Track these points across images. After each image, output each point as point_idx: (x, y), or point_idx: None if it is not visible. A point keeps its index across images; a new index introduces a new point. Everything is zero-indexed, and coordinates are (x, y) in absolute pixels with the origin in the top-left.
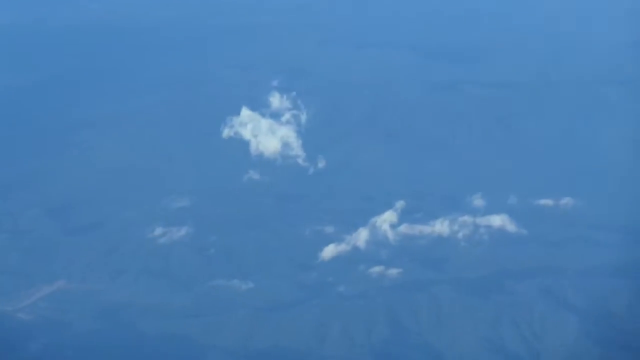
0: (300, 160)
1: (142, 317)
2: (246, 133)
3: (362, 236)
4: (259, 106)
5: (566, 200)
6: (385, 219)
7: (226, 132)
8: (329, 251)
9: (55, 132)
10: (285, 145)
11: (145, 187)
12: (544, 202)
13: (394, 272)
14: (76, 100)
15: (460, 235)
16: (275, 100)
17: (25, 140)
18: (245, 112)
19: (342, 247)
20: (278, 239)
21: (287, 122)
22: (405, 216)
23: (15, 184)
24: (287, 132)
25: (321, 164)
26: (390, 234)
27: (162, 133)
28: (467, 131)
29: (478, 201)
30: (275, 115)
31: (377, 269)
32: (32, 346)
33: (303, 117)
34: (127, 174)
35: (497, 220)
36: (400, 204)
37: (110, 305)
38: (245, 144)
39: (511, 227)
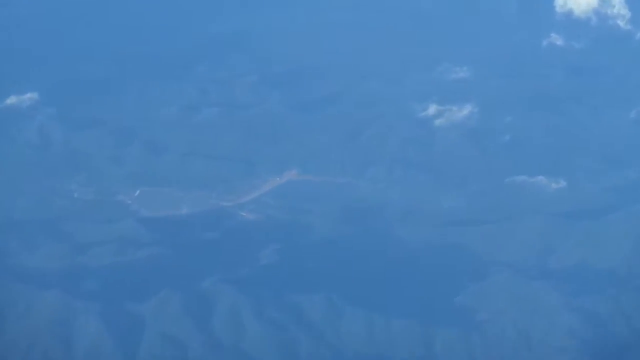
0: (621, 22)
1: (400, 222)
2: None
3: None
4: None
5: None
6: None
7: None
8: None
9: None
10: (603, 1)
11: (406, 53)
12: None
13: None
14: None
15: None
16: None
17: None
18: None
19: None
20: (585, 127)
21: None
22: None
23: (225, 42)
24: None
25: None
26: None
27: None
28: None
29: None
30: None
31: None
32: (262, 256)
33: None
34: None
35: None
36: None
37: (356, 203)
38: None
39: None
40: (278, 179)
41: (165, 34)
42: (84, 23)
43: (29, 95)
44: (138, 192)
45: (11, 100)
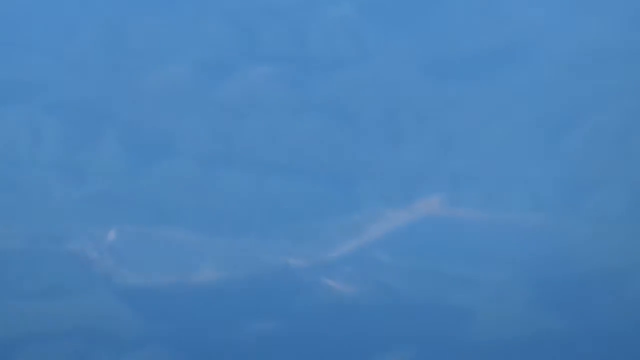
0: None
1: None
2: None
3: None
4: None
5: None
6: None
7: None
8: None
9: None
10: None
11: None
12: None
13: None
14: None
15: None
16: None
17: None
18: None
19: None
20: None
21: None
22: None
23: None
24: None
25: None
26: None
27: None
28: None
29: None
30: None
31: None
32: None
33: None
34: None
35: None
36: None
37: (567, 269)
38: None
39: None
40: (402, 213)
41: None
42: None
43: None
44: (113, 233)
45: None
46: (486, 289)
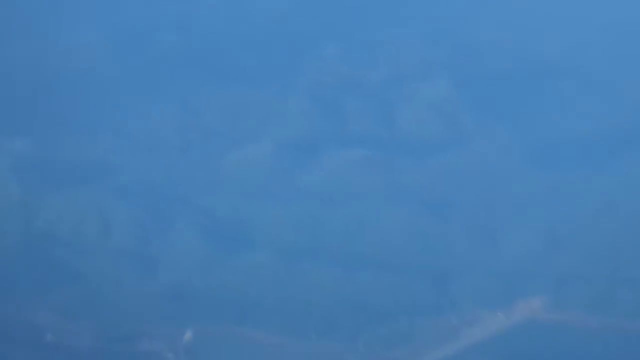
0: None
1: None
2: None
3: None
4: None
5: None
6: None
7: None
8: None
9: None
10: None
11: None
12: None
13: None
14: None
15: None
16: None
17: None
18: None
19: None
20: None
21: None
22: None
23: None
24: None
25: None
26: None
27: None
28: None
29: None
30: None
31: None
32: None
33: None
34: None
35: None
36: None
37: None
38: None
39: None
40: (500, 314)
41: None
42: None
43: None
44: (189, 333)
45: None
46: None
